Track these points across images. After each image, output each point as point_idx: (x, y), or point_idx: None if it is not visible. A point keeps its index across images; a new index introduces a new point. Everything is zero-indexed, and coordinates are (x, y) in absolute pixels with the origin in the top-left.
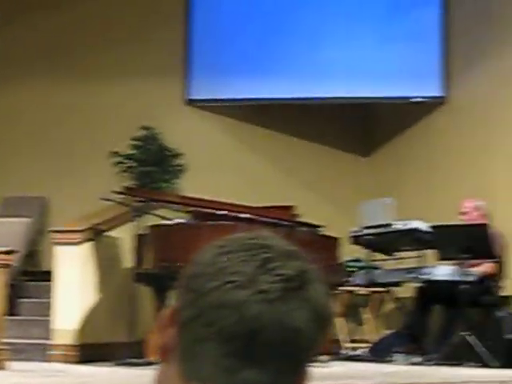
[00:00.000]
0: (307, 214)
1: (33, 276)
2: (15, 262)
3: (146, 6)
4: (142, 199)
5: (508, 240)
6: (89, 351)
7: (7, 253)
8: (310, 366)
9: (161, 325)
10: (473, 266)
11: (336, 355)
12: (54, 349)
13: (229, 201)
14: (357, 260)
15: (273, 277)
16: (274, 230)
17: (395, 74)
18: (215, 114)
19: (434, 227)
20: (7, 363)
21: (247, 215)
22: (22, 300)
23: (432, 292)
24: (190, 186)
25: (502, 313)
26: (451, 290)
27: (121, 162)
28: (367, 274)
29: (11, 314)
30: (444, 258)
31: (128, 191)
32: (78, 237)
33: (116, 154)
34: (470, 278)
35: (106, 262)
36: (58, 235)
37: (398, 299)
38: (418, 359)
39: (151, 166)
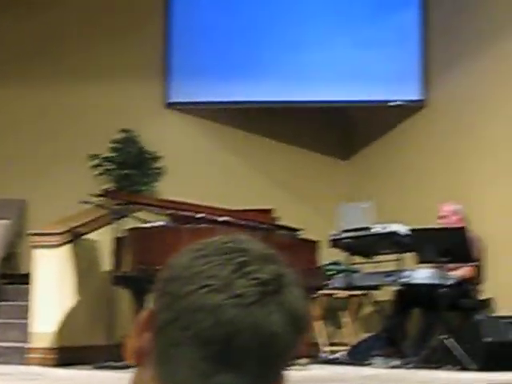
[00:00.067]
0: (286, 217)
1: (11, 279)
2: None
3: (125, 8)
4: (120, 202)
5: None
6: (67, 354)
7: None
8: (287, 369)
9: (137, 328)
10: (451, 269)
11: (315, 358)
12: (32, 352)
13: (207, 204)
14: (336, 263)
15: (249, 281)
16: (252, 234)
17: (374, 78)
18: (195, 117)
19: (412, 230)
20: None
21: (226, 218)
22: (0, 303)
23: (411, 295)
24: (169, 188)
25: (480, 316)
26: (430, 293)
27: (100, 165)
28: (346, 278)
29: None
30: (423, 261)
31: (107, 194)
32: (56, 239)
33: (95, 156)
34: (449, 282)
35: (85, 265)
36: (37, 238)
37: (376, 302)
38: (397, 362)
39: (130, 169)
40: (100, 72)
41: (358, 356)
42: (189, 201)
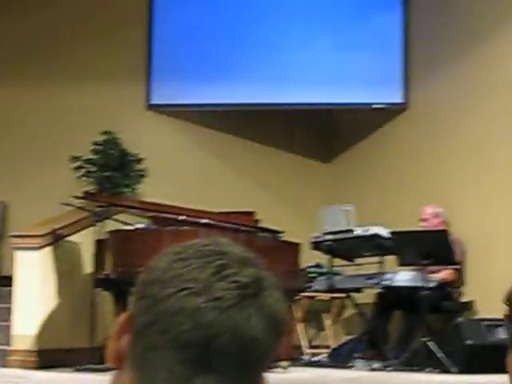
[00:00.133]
0: (268, 220)
1: None
2: None
3: (107, 11)
4: (102, 204)
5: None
6: (49, 357)
7: None
8: (266, 372)
9: (116, 331)
10: (433, 272)
11: (296, 361)
12: (13, 354)
13: (189, 206)
14: (318, 266)
15: (228, 284)
16: (234, 236)
17: (357, 81)
18: (177, 119)
19: (394, 233)
20: None
21: (208, 220)
22: None
23: (392, 298)
24: (151, 191)
25: (461, 319)
26: (411, 295)
27: (81, 167)
28: (328, 280)
29: None
30: (404, 263)
31: (88, 196)
32: (38, 242)
33: (77, 158)
34: (430, 284)
35: (67, 267)
36: (18, 240)
37: (358, 305)
38: (379, 365)
39: (112, 171)
40: (81, 74)
41: (340, 358)
42: (170, 203)
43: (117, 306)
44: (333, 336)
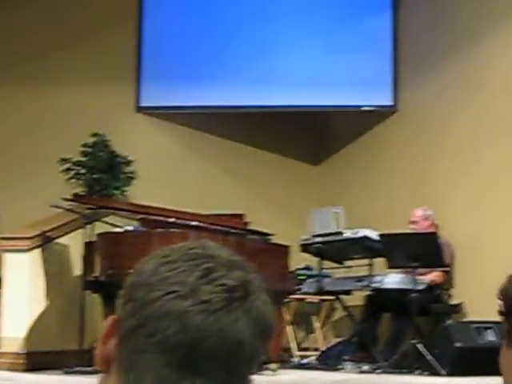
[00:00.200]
0: (257, 222)
1: None
2: None
3: (97, 12)
4: (91, 206)
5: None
6: (38, 359)
7: None
8: (252, 375)
9: (103, 335)
10: (422, 274)
11: (286, 363)
12: (2, 357)
13: (179, 208)
14: (307, 268)
15: (215, 287)
16: (224, 238)
17: (346, 83)
18: (166, 122)
19: (383, 236)
20: None
21: (197, 223)
22: None
23: (381, 300)
24: (141, 193)
25: (450, 321)
26: (400, 298)
27: (70, 169)
28: (317, 282)
29: None
30: (393, 266)
31: (78, 198)
32: (27, 244)
33: (66, 160)
34: (420, 287)
35: (56, 270)
36: (7, 242)
37: (347, 307)
38: (368, 367)
39: (101, 173)
40: (71, 75)
41: (329, 361)
42: (160, 205)
43: (106, 309)
44: (322, 338)
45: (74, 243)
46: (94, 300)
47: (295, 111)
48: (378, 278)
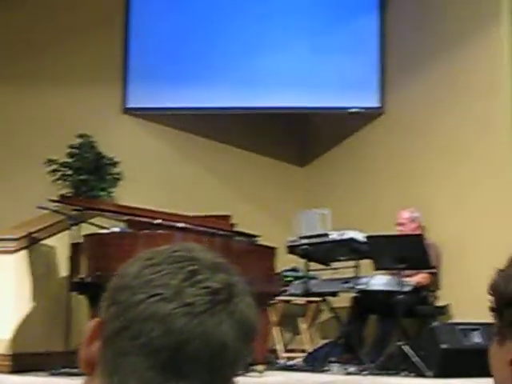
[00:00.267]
0: (244, 224)
1: None
2: None
3: (84, 12)
4: (78, 208)
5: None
6: (23, 361)
7: None
8: (236, 377)
9: (86, 337)
10: (409, 276)
11: (272, 365)
12: None
13: (165, 210)
14: (294, 270)
15: (199, 289)
16: (210, 240)
17: (333, 85)
18: (153, 123)
19: (369, 237)
20: None
21: (183, 224)
22: None
23: (368, 302)
24: (127, 194)
25: (436, 323)
26: (387, 300)
27: (57, 170)
28: (304, 284)
29: None
30: (380, 268)
31: (64, 199)
32: (13, 245)
33: (52, 161)
34: (406, 288)
35: (42, 271)
36: None
37: (334, 309)
38: (354, 369)
39: (88, 175)
40: (57, 76)
41: (316, 362)
42: (146, 207)
43: (92, 310)
44: (308, 340)
45: (60, 244)
46: (81, 301)
47: (282, 113)
48: (364, 280)
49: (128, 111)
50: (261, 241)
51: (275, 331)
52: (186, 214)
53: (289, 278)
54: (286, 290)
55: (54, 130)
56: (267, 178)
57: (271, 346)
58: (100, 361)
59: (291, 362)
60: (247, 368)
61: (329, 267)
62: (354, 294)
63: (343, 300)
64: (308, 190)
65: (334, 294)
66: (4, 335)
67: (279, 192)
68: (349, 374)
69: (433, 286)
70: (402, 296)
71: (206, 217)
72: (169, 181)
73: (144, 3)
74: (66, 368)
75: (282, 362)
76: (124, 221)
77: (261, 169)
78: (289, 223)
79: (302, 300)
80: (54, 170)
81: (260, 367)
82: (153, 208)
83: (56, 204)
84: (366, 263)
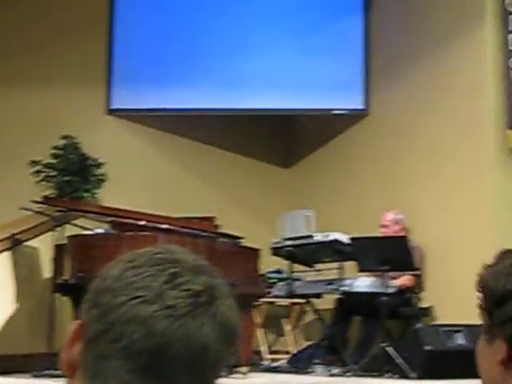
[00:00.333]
0: (228, 225)
1: None
2: None
3: (67, 13)
4: (61, 209)
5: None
6: (6, 362)
7: None
8: (218, 380)
9: (67, 340)
10: (392, 278)
11: (256, 366)
12: None
13: (149, 211)
14: (278, 271)
15: (180, 292)
16: (194, 241)
17: (318, 86)
18: (137, 124)
19: (353, 239)
20: None
21: (167, 226)
22: None
23: (352, 303)
24: (112, 196)
25: (420, 324)
26: (371, 301)
27: (40, 171)
28: (288, 286)
29: None
30: (364, 269)
31: (48, 201)
32: None
33: (36, 162)
34: (390, 290)
35: (25, 272)
36: None
37: (318, 311)
38: (338, 370)
39: (72, 176)
40: (41, 76)
41: (299, 364)
42: (130, 208)
43: (76, 312)
44: (292, 341)
45: (43, 246)
46: (64, 303)
47: (267, 114)
48: (348, 282)
49: (112, 112)
50: (245, 242)
51: (259, 333)
52: (170, 215)
53: (273, 280)
54: (269, 292)
55: (38, 132)
56: (251, 180)
57: (255, 347)
58: (81, 363)
59: (275, 364)
60: (231, 370)
61: (313, 269)
62: (338, 296)
63: (327, 302)
64: (292, 191)
65: (317, 296)
66: None
67: (263, 193)
68: (332, 375)
69: (417, 287)
70: (385, 298)
71: (190, 218)
72: (153, 182)
73: (128, 5)
74: (49, 370)
75: (266, 363)
76: (108, 222)
77: (245, 170)
78: (273, 225)
79: (285, 301)
80: (38, 171)
81: (244, 369)
82: (137, 209)
83: (40, 205)
84: (350, 265)
